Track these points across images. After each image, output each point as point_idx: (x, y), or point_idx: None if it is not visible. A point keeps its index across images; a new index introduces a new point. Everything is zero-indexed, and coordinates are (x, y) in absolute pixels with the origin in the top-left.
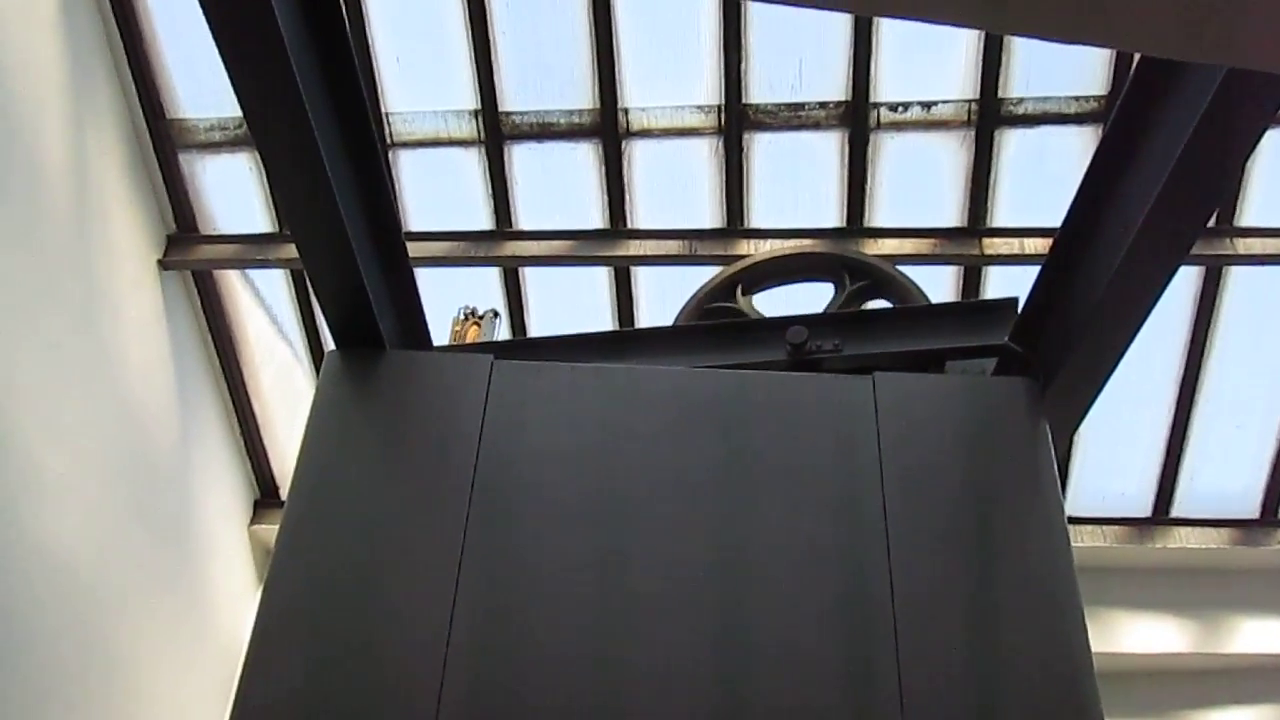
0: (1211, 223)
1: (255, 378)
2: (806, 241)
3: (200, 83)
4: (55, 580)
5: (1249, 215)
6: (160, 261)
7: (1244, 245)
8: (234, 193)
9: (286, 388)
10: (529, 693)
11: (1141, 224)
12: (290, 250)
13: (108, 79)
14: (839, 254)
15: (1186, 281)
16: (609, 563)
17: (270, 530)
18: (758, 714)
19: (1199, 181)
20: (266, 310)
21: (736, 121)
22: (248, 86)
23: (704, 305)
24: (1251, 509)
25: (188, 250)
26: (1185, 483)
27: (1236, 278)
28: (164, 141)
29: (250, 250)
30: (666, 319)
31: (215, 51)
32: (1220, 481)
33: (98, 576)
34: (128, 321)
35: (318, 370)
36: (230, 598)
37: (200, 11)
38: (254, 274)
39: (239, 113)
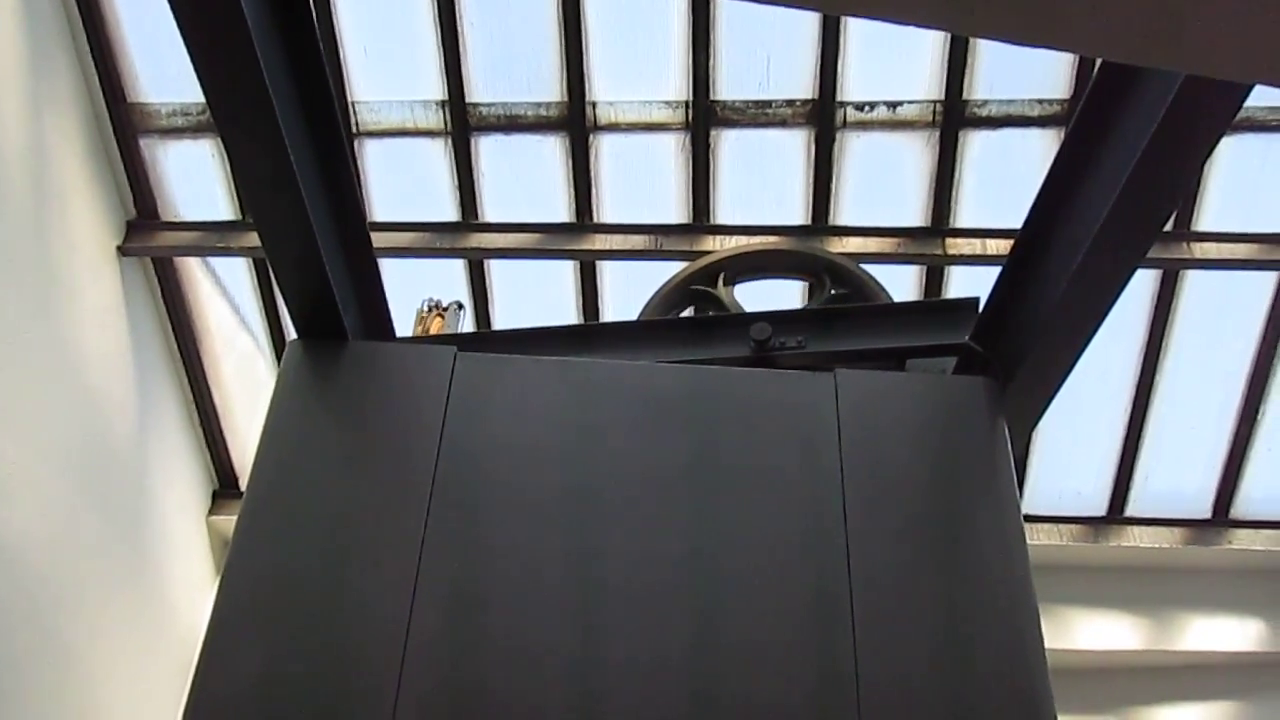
0: (1169, 227)
1: (216, 367)
2: (789, 239)
3: (163, 67)
4: (9, 571)
5: (1205, 220)
6: (120, 248)
7: (1200, 250)
8: (196, 179)
9: (248, 377)
10: (489, 684)
11: (1100, 227)
12: (253, 238)
13: (68, 62)
14: (825, 257)
15: (1144, 284)
16: (570, 556)
17: (229, 521)
18: (723, 707)
19: (1156, 186)
20: (228, 298)
21: (704, 118)
22: (211, 72)
23: (684, 288)
24: (1204, 509)
25: (148, 237)
26: (1140, 482)
27: (1192, 281)
28: (125, 126)
29: (211, 237)
30: (631, 313)
31: (178, 35)
32: (1174, 482)
33: (53, 567)
34: (86, 309)
35: (279, 359)
36: (188, 588)
37: None
38: (215, 262)
39: (202, 98)
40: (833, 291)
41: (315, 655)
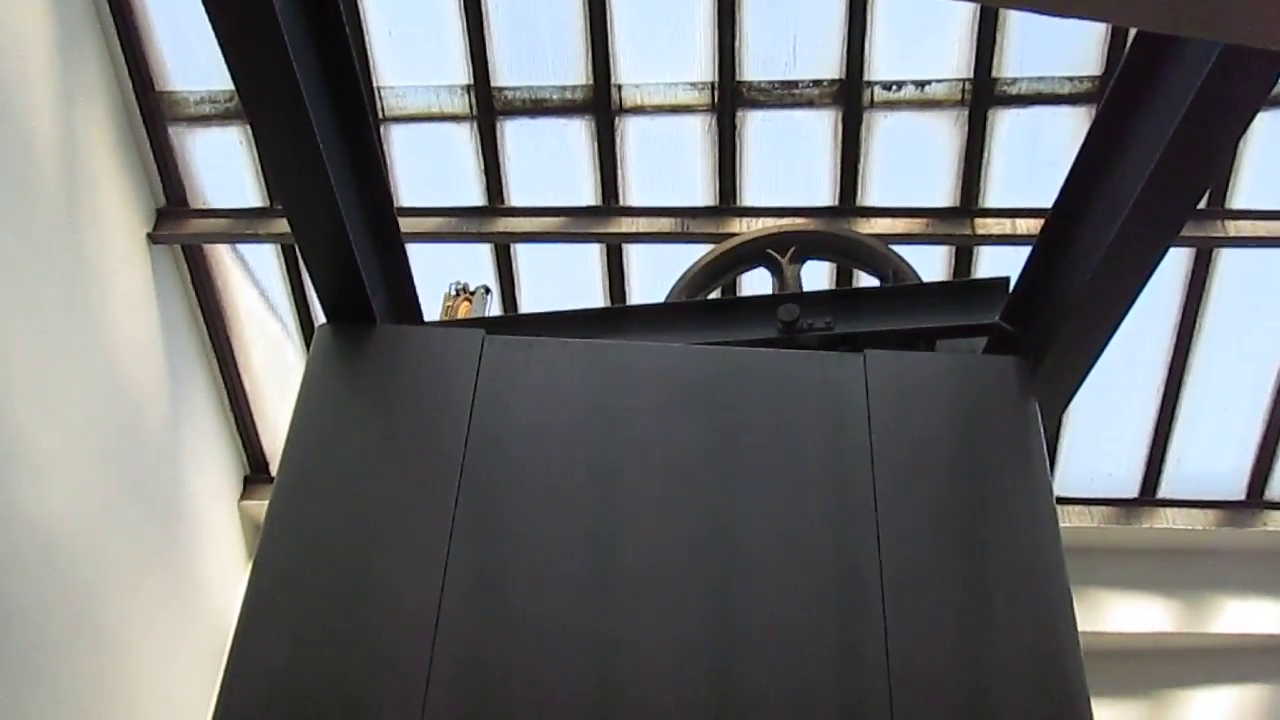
0: (1203, 204)
1: (245, 353)
2: (820, 220)
3: (190, 55)
4: (44, 556)
5: (1240, 198)
6: (150, 235)
7: (1234, 228)
8: (224, 166)
9: (277, 363)
10: (519, 668)
11: (1132, 205)
12: (281, 224)
13: (97, 52)
14: (890, 256)
15: (1176, 263)
16: (599, 539)
17: (260, 506)
18: (748, 691)
19: (1190, 163)
20: (257, 285)
21: (730, 99)
22: (240, 58)
23: (710, 270)
24: (1238, 490)
25: (178, 224)
26: (1172, 464)
27: (1227, 260)
28: (154, 115)
29: (240, 224)
30: (658, 296)
31: (206, 23)
32: (1207, 463)
33: (87, 552)
34: (117, 296)
35: (308, 345)
36: (220, 573)
37: None
38: (244, 249)
39: (230, 85)
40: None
41: (346, 639)
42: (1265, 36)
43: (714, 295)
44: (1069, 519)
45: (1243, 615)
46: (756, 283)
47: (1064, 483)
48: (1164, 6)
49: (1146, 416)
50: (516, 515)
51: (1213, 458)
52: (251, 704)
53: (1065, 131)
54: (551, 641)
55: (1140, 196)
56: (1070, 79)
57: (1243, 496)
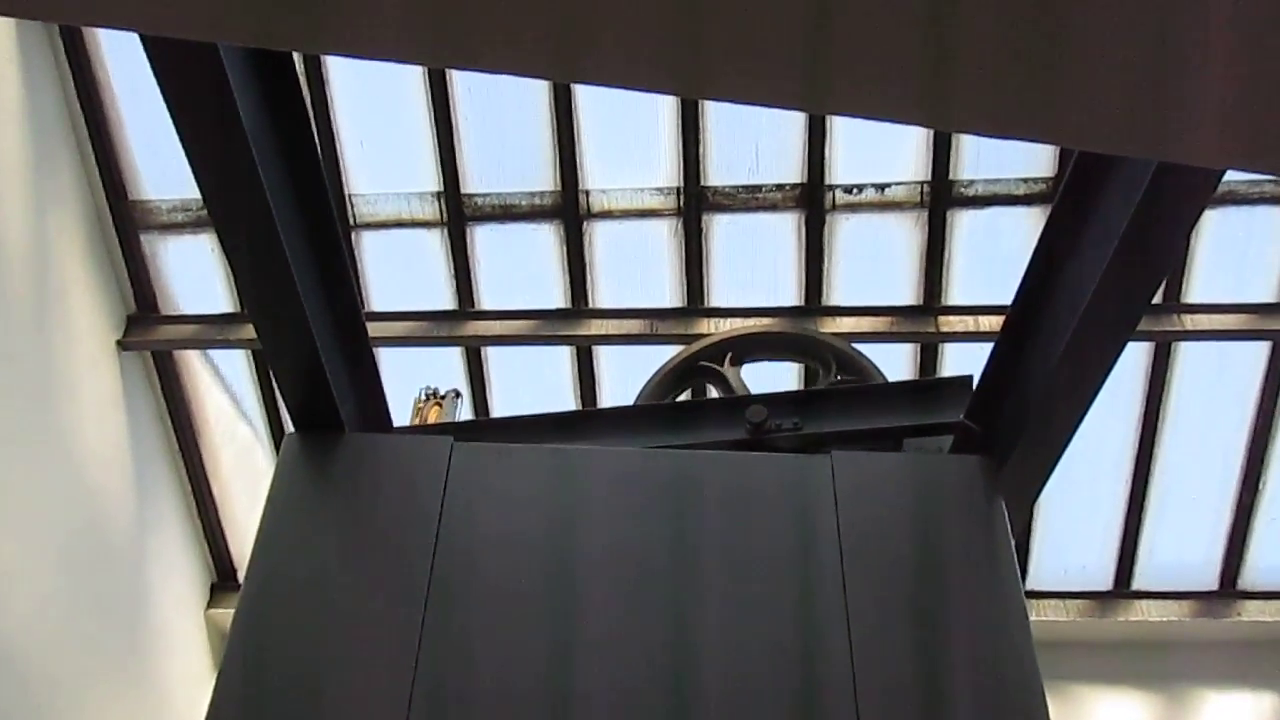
0: (1159, 300)
1: (214, 458)
2: (783, 321)
3: (163, 164)
4: (6, 667)
5: (1195, 292)
6: (119, 342)
7: (1191, 321)
8: (196, 273)
9: (246, 468)
10: None
11: (1088, 302)
12: (251, 330)
13: (70, 160)
14: (830, 343)
15: (1137, 357)
16: (563, 653)
17: (227, 615)
18: None
19: (1141, 261)
20: (227, 390)
21: (695, 203)
22: (207, 170)
23: (679, 372)
24: (1211, 581)
25: (147, 330)
26: (1145, 555)
27: (1186, 353)
28: (126, 222)
29: (211, 330)
30: (629, 397)
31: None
32: (1179, 553)
33: (50, 663)
34: (85, 402)
35: (278, 450)
36: (186, 683)
37: (160, 97)
38: (215, 354)
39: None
40: (837, 377)
41: None
42: (1207, 156)
43: (683, 397)
44: (1043, 613)
45: (1222, 707)
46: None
47: (1038, 576)
48: (1111, 133)
49: (1117, 508)
50: (481, 632)
51: (1185, 548)
52: None
53: (1022, 231)
54: None
55: (1095, 294)
56: (1024, 180)
57: (1216, 586)
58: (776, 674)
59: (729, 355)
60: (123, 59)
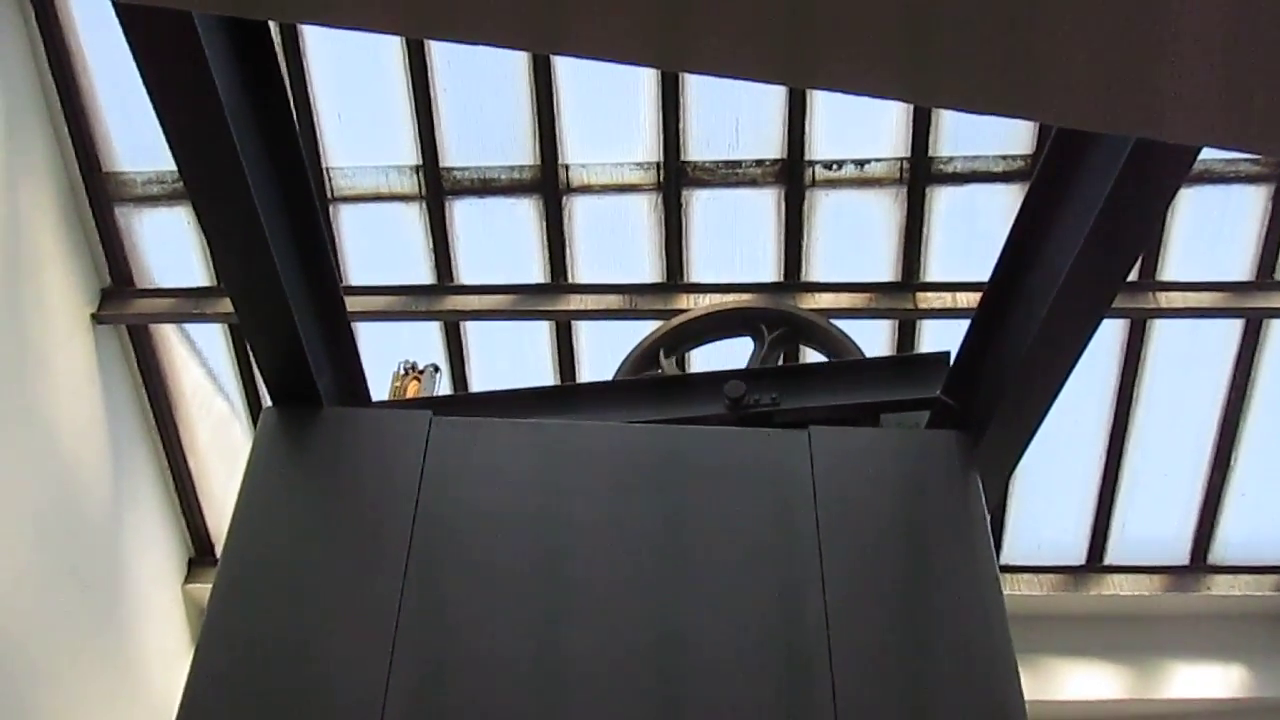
0: (1134, 277)
1: (191, 433)
2: (745, 296)
3: (138, 136)
4: None
5: (1170, 270)
6: (94, 316)
7: (1166, 299)
8: (171, 246)
9: (223, 443)
10: None
11: (1064, 279)
12: (228, 304)
13: (43, 132)
14: (809, 319)
15: (1112, 334)
16: (545, 629)
17: (204, 590)
18: None
19: (1117, 238)
20: (203, 364)
21: (675, 178)
22: (182, 143)
23: (657, 348)
24: (1182, 555)
25: (123, 304)
26: (1117, 530)
27: (1160, 330)
28: (100, 195)
29: (187, 304)
30: (608, 373)
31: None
32: (1151, 528)
33: (27, 637)
34: (59, 377)
35: (255, 424)
36: (163, 658)
37: (135, 67)
38: (191, 328)
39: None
40: (773, 335)
41: None
42: (1186, 134)
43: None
44: (1017, 587)
45: (1192, 679)
46: (704, 359)
47: (1011, 551)
48: (1091, 110)
49: (1090, 484)
50: (462, 604)
51: (1156, 523)
52: None
53: (1000, 207)
54: None
55: (1071, 271)
56: (1003, 158)
57: (1186, 561)
58: (756, 644)
59: (661, 352)
60: (96, 28)
